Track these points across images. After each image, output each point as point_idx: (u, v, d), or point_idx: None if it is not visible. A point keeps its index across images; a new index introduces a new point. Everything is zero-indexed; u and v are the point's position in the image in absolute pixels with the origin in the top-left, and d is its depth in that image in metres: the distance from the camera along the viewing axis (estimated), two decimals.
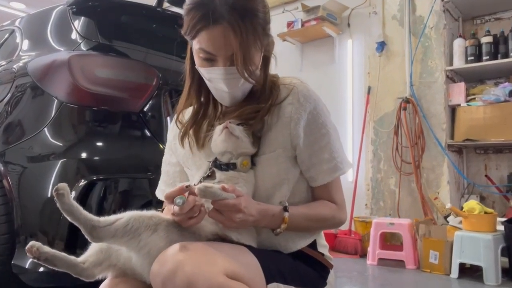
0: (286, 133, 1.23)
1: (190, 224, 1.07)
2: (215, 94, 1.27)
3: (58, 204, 1.00)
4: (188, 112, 1.38)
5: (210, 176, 1.22)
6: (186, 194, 1.05)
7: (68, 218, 1.01)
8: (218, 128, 1.23)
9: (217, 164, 1.22)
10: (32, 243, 1.06)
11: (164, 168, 1.48)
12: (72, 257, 1.12)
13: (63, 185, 1.00)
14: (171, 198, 1.05)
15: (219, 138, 1.21)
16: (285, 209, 1.20)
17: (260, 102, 1.25)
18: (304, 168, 1.28)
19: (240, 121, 1.23)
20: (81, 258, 1.14)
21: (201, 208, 1.07)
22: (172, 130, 1.44)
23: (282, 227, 1.19)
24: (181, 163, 1.41)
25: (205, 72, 1.21)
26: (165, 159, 1.48)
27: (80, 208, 1.02)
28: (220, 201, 1.06)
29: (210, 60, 1.18)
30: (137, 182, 2.14)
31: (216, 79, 1.20)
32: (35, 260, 1.07)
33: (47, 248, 1.08)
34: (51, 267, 1.09)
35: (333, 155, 1.27)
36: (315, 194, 1.31)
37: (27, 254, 1.06)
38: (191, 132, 1.33)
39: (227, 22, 1.11)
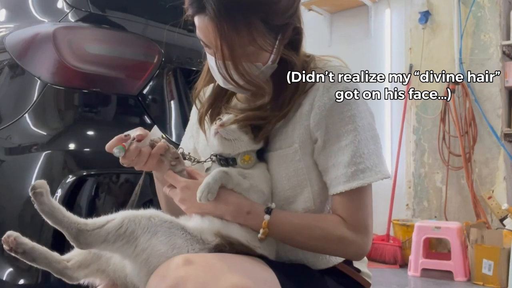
0: (303, 124, 1.18)
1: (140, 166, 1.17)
2: None
3: (36, 205, 1.00)
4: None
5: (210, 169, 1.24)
6: (127, 143, 1.13)
7: (49, 222, 1.01)
8: (212, 129, 1.23)
9: (217, 159, 1.24)
10: (9, 232, 1.07)
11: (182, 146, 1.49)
12: (55, 253, 1.13)
13: (41, 182, 1.01)
14: (111, 149, 1.12)
15: (214, 141, 1.22)
16: (268, 211, 1.14)
17: (282, 93, 1.19)
18: (321, 169, 1.20)
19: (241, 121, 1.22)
20: (66, 256, 1.15)
21: (142, 151, 1.15)
22: (196, 111, 1.43)
23: (261, 232, 1.13)
24: (199, 153, 1.41)
25: (208, 58, 1.22)
26: (183, 140, 1.49)
27: (63, 209, 1.02)
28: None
29: (208, 47, 1.17)
30: (136, 178, 2.09)
31: (213, 69, 1.19)
32: (12, 253, 1.07)
33: (26, 240, 1.08)
34: (30, 263, 1.09)
35: (355, 160, 1.14)
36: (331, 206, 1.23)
37: (3, 245, 1.06)
38: (207, 117, 1.32)
39: (208, 15, 1.08)
